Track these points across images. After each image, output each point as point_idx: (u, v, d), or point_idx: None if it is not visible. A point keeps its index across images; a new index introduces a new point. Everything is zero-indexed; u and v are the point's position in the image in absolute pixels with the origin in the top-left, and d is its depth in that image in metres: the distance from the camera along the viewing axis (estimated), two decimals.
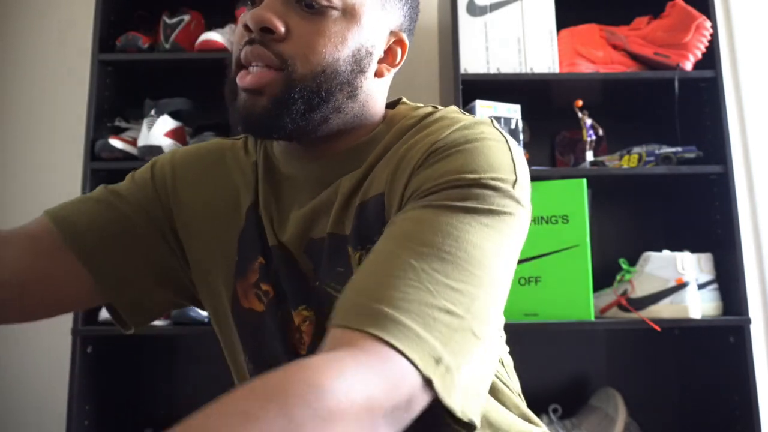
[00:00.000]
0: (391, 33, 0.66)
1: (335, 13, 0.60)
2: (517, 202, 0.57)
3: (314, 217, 0.64)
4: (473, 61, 1.59)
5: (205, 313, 1.48)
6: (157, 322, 1.47)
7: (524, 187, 0.59)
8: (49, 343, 1.75)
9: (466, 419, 0.46)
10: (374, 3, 0.63)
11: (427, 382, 0.44)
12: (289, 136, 0.62)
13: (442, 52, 1.82)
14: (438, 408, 0.46)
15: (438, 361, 0.45)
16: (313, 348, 0.61)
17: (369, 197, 0.61)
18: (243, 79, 0.60)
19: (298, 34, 0.59)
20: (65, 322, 1.50)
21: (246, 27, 0.60)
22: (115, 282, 0.68)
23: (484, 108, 1.55)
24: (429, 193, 0.55)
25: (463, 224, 0.52)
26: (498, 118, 1.57)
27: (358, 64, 0.62)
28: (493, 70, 1.59)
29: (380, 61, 0.66)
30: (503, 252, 0.54)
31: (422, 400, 0.45)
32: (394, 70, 0.68)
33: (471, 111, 1.55)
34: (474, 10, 1.62)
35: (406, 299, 0.47)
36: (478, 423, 0.48)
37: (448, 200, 0.54)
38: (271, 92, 0.59)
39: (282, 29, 0.59)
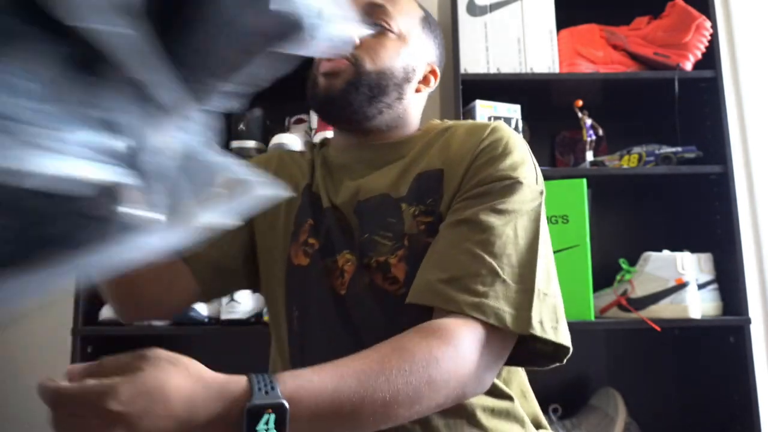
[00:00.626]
0: (428, 63, 0.88)
1: (392, 35, 0.82)
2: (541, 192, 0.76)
3: (364, 184, 0.81)
4: (473, 61, 1.59)
5: (205, 313, 1.48)
6: (157, 322, 1.47)
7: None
8: (49, 343, 1.75)
9: (566, 344, 0.69)
10: (418, 36, 0.85)
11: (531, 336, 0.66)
12: (352, 119, 0.82)
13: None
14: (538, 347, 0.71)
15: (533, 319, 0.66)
16: (353, 285, 0.76)
17: (426, 170, 0.78)
18: (323, 65, 0.80)
19: (366, 43, 0.80)
20: (65, 322, 1.51)
21: None
22: (208, 276, 0.85)
23: (484, 108, 1.55)
24: (487, 193, 0.72)
25: (521, 226, 0.71)
26: (498, 118, 1.57)
27: (405, 75, 0.83)
28: (493, 70, 1.59)
29: (419, 81, 0.87)
30: (543, 230, 0.73)
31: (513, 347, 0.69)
32: (428, 90, 0.89)
33: (471, 111, 1.56)
34: (474, 10, 1.62)
35: (487, 284, 0.67)
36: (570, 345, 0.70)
37: (506, 203, 0.71)
38: (345, 77, 0.79)
39: (357, 41, 0.80)
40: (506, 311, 0.65)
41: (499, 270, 0.67)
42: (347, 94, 0.79)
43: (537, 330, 0.66)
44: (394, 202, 0.78)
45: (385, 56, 0.81)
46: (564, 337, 0.69)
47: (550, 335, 0.67)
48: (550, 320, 0.68)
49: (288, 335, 0.82)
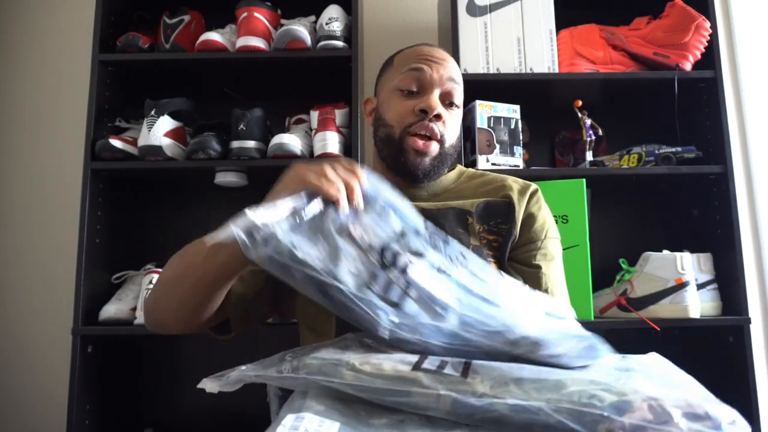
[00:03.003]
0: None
1: (459, 110, 1.03)
2: None
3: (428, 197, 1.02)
4: (473, 61, 1.59)
5: None
6: None
7: None
8: (50, 343, 1.75)
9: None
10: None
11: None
12: (424, 181, 1.00)
13: None
14: None
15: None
16: None
17: (494, 199, 0.99)
18: (416, 143, 0.96)
19: (447, 119, 0.99)
20: (65, 322, 1.51)
21: (422, 110, 0.96)
22: (241, 315, 0.96)
23: (484, 108, 1.55)
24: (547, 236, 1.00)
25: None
26: (498, 118, 1.57)
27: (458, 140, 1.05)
28: (492, 71, 1.59)
29: None
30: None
31: None
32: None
33: (471, 111, 1.56)
34: (474, 10, 1.62)
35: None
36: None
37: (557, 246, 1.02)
38: (432, 156, 0.98)
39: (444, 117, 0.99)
40: None
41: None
42: (432, 170, 0.99)
43: None
44: (464, 214, 0.97)
45: (457, 130, 1.02)
46: None
47: None
48: None
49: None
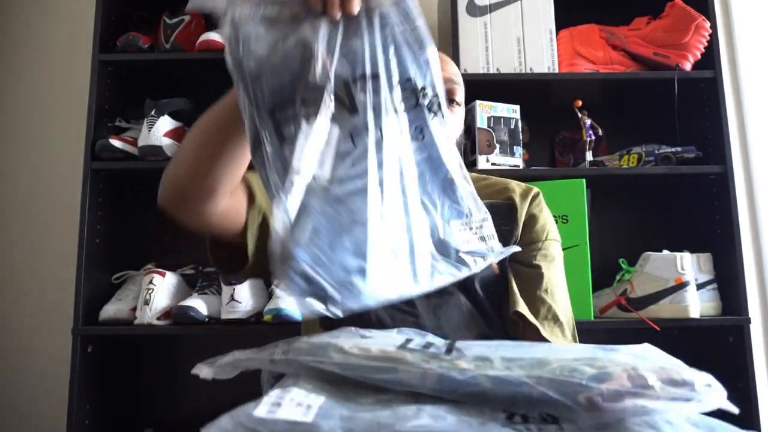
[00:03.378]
0: None
1: (460, 108, 1.04)
2: None
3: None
4: (473, 61, 1.59)
5: (205, 313, 1.48)
6: (157, 322, 1.47)
7: None
8: (49, 343, 1.75)
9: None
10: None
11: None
12: None
13: (442, 52, 1.82)
14: None
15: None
16: None
17: (496, 201, 1.01)
18: None
19: (449, 119, 0.95)
20: (65, 322, 1.51)
21: None
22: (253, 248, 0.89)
23: (484, 108, 1.55)
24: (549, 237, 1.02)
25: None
26: (498, 118, 1.57)
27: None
28: (492, 71, 1.59)
29: None
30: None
31: None
32: None
33: (471, 111, 1.56)
34: (474, 10, 1.62)
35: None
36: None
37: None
38: None
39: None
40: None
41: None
42: None
43: None
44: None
45: (459, 129, 1.05)
46: None
47: None
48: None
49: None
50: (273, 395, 0.49)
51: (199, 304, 1.48)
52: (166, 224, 1.94)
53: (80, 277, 1.48)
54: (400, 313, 0.90)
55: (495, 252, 0.66)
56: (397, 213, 0.60)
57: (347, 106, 0.60)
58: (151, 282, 1.51)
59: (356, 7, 0.59)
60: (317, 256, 0.53)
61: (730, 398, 0.52)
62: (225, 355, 0.57)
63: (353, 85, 0.60)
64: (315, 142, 0.58)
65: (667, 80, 1.57)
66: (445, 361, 0.50)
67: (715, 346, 1.56)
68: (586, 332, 1.78)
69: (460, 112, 1.03)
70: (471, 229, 0.66)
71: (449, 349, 0.53)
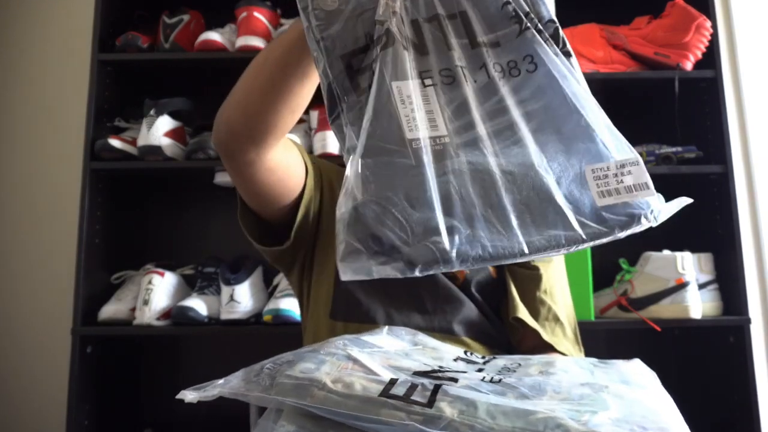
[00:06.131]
0: None
1: None
2: None
3: None
4: None
5: (204, 313, 1.48)
6: (156, 322, 1.47)
7: None
8: (49, 343, 1.75)
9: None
10: None
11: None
12: None
13: None
14: None
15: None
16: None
17: None
18: None
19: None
20: (65, 322, 1.50)
21: None
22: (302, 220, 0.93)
23: None
24: None
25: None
26: None
27: None
28: None
29: None
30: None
31: None
32: None
33: None
34: None
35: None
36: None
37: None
38: None
39: None
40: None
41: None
42: None
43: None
44: None
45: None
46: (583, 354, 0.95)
47: (581, 356, 0.93)
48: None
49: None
50: None
51: (198, 304, 1.48)
52: (165, 224, 1.94)
53: (79, 277, 1.48)
54: (406, 313, 0.91)
55: (653, 211, 0.55)
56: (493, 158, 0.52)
57: (418, 45, 0.55)
58: (150, 282, 1.50)
59: None
60: (387, 209, 0.49)
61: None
62: (213, 384, 0.56)
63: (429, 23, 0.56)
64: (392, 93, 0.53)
65: (668, 80, 1.57)
66: (425, 413, 0.49)
67: (715, 346, 1.55)
68: (587, 332, 1.78)
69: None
70: (614, 176, 0.55)
71: (433, 395, 0.51)
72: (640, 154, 1.60)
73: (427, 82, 0.55)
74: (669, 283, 1.47)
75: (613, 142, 0.56)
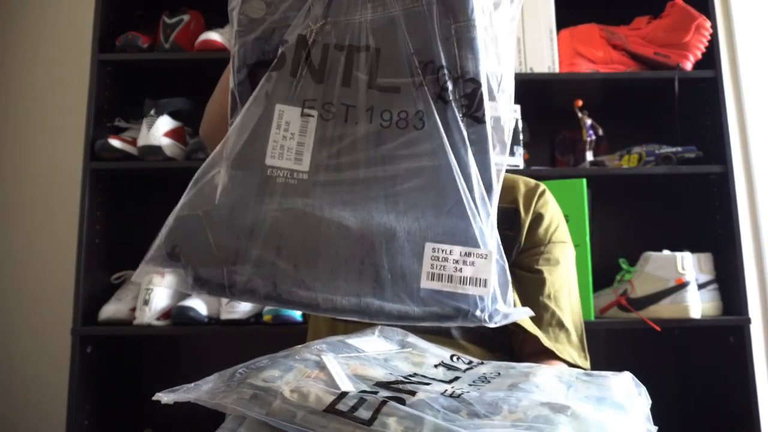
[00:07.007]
0: None
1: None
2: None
3: None
4: None
5: (205, 313, 1.48)
6: (156, 322, 1.47)
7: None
8: (49, 343, 1.75)
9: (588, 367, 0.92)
10: None
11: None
12: None
13: None
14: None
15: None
16: None
17: (501, 205, 0.87)
18: None
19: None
20: (65, 322, 1.50)
21: None
22: None
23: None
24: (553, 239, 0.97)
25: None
26: (498, 118, 1.57)
27: None
28: None
29: None
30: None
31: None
32: None
33: None
34: None
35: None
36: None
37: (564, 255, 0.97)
38: None
39: None
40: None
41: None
42: None
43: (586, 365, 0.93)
44: None
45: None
46: (588, 362, 0.94)
47: (585, 364, 0.92)
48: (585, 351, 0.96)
49: None
50: None
51: (198, 304, 1.48)
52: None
53: (79, 277, 1.48)
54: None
55: (484, 309, 0.52)
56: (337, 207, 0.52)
57: (316, 70, 0.54)
58: (150, 282, 1.51)
59: None
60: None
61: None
62: (186, 388, 0.56)
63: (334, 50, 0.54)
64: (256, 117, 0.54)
65: (668, 80, 1.57)
66: (366, 430, 0.47)
67: (715, 346, 1.55)
68: (587, 333, 1.78)
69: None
70: (454, 261, 0.51)
71: (376, 412, 0.48)
72: (640, 154, 1.61)
73: (308, 111, 0.54)
74: (669, 283, 1.47)
75: (481, 228, 0.52)
